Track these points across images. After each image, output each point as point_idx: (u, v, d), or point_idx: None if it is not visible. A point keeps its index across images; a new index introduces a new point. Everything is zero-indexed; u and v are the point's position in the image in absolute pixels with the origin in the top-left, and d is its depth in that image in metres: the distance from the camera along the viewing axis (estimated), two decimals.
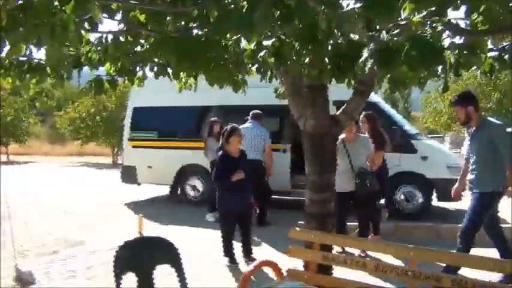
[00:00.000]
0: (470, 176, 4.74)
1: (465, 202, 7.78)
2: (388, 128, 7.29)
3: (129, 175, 10.00)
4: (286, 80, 4.05)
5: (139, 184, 10.07)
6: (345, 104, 3.85)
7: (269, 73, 4.22)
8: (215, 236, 5.92)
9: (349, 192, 5.67)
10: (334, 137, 3.87)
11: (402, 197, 7.97)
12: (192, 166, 9.29)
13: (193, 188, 9.41)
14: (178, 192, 9.69)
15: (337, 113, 3.88)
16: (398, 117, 8.80)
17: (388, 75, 2.71)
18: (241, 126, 6.83)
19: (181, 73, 3.80)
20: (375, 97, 8.38)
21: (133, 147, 10.00)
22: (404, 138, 7.94)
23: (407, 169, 7.92)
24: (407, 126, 8.59)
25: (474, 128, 4.68)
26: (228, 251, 5.42)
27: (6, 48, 2.95)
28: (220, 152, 5.42)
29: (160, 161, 9.62)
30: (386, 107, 8.84)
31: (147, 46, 3.15)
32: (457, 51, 2.67)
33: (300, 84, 3.82)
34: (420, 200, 7.92)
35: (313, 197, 3.87)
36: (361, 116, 6.27)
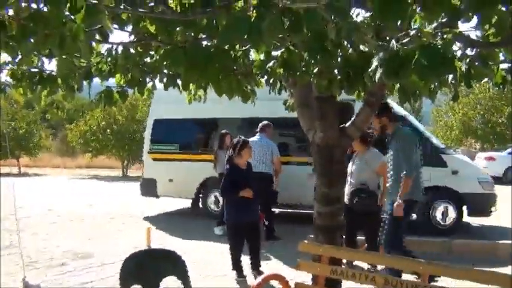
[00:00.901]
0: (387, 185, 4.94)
1: (494, 218, 7.88)
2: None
3: (149, 188, 9.77)
4: (295, 91, 4.05)
5: (158, 197, 9.92)
6: (354, 116, 3.83)
7: (278, 84, 4.23)
8: (224, 249, 5.88)
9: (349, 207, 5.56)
10: (343, 149, 3.84)
11: (438, 213, 7.72)
12: (215, 179, 8.84)
13: (216, 201, 9.16)
14: (200, 205, 9.51)
15: (346, 125, 3.86)
16: (426, 131, 8.65)
17: (398, 86, 2.69)
18: (250, 139, 6.86)
19: (191, 84, 3.80)
20: (402, 110, 8.35)
21: (154, 159, 9.88)
22: (434, 152, 7.79)
23: (439, 184, 7.68)
24: (435, 140, 8.46)
25: (390, 138, 4.88)
26: (236, 264, 5.37)
27: (18, 58, 3.00)
28: (229, 164, 5.41)
29: (181, 174, 9.42)
30: (414, 120, 8.71)
31: (157, 57, 3.16)
32: (468, 62, 2.63)
33: (309, 96, 3.80)
34: (453, 216, 7.70)
35: (321, 210, 3.83)
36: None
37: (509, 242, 6.70)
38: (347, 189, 5.46)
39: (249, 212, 5.27)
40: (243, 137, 5.51)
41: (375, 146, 5.83)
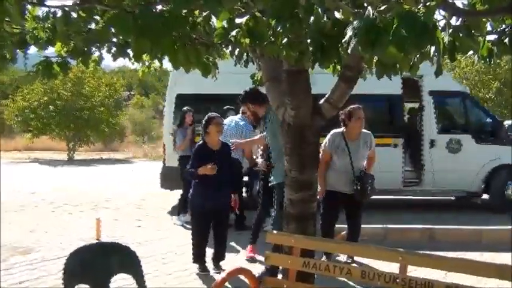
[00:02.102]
0: None
1: None
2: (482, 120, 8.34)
3: (173, 179, 8.61)
4: (263, 64, 4.02)
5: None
6: (329, 92, 3.84)
7: (244, 56, 4.19)
8: (187, 241, 5.87)
9: (344, 194, 5.63)
10: (316, 129, 3.85)
11: None
12: None
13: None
14: None
15: (320, 102, 3.86)
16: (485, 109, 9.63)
17: (376, 59, 2.70)
18: (227, 119, 6.95)
19: (144, 55, 3.72)
20: (461, 86, 8.82)
21: None
22: (503, 130, 8.62)
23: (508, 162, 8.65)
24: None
25: (263, 120, 5.26)
26: (198, 257, 5.38)
27: None
28: (199, 143, 5.42)
29: None
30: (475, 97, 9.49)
31: (103, 23, 3.07)
32: (452, 32, 2.66)
33: (279, 69, 3.79)
34: None
35: (293, 196, 3.86)
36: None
37: (493, 227, 7.00)
38: (343, 176, 5.52)
39: (217, 196, 5.25)
40: (214, 114, 5.53)
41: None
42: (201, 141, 5.40)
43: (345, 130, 5.64)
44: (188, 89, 8.98)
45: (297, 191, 3.86)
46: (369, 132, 5.75)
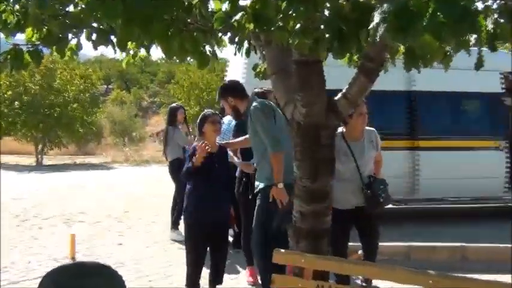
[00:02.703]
0: None
1: None
2: None
3: None
4: (269, 54, 4.01)
5: None
6: (347, 87, 3.84)
7: (246, 44, 4.19)
8: (176, 258, 5.87)
9: (353, 210, 5.48)
10: (332, 129, 3.84)
11: None
12: None
13: None
14: None
15: (336, 98, 3.86)
16: None
17: (404, 48, 2.69)
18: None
19: (129, 43, 3.72)
20: None
21: None
22: None
23: None
24: None
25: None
26: (192, 280, 5.34)
27: None
28: (194, 144, 5.42)
29: None
30: None
31: (83, 6, 3.06)
32: (492, 18, 2.66)
33: (287, 59, 3.78)
34: None
35: (303, 209, 3.84)
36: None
37: None
38: (349, 186, 5.35)
39: (216, 207, 5.22)
40: (210, 111, 5.61)
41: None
42: (196, 143, 5.41)
43: (344, 130, 5.47)
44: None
45: (308, 202, 3.84)
46: (372, 129, 5.60)
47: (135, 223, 9.40)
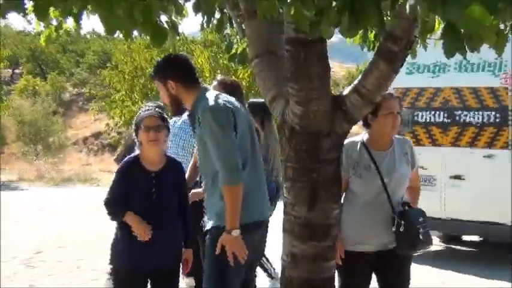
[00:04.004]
0: None
1: None
2: None
3: None
4: (251, 30, 4.04)
5: None
6: (360, 77, 3.89)
7: (218, 15, 4.23)
8: None
9: (376, 253, 5.39)
10: (338, 137, 3.88)
11: None
12: None
13: None
14: None
15: (344, 93, 3.90)
16: None
17: (443, 25, 2.74)
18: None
19: (51, 9, 3.73)
20: None
21: None
22: None
23: None
24: None
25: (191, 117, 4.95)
26: None
27: None
28: (126, 159, 5.39)
29: None
30: None
31: None
32: None
33: (277, 39, 3.82)
34: None
35: (296, 249, 3.88)
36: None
37: None
38: (373, 214, 5.24)
39: (157, 250, 5.22)
40: (150, 106, 5.46)
41: None
42: (133, 156, 5.33)
43: (367, 136, 5.36)
44: None
45: (303, 240, 3.88)
46: (406, 138, 5.60)
47: (51, 268, 9.36)
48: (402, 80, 9.19)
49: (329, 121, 3.78)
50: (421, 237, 5.03)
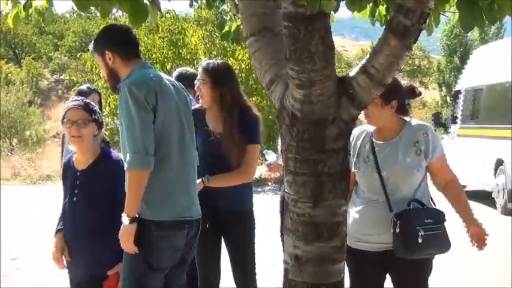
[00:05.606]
0: None
1: None
2: None
3: None
4: (244, 5, 4.04)
5: None
6: (368, 56, 3.88)
7: None
8: None
9: (383, 252, 5.41)
10: (345, 125, 3.87)
11: None
12: None
13: None
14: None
15: (351, 75, 3.90)
16: None
17: None
18: None
19: None
20: None
21: None
22: None
23: None
24: None
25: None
26: None
27: None
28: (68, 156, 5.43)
29: None
30: None
31: None
32: None
33: (274, 14, 3.82)
34: None
35: (300, 251, 3.87)
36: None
37: None
38: (371, 212, 5.23)
39: (83, 261, 5.14)
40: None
41: None
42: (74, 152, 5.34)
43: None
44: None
45: (308, 240, 3.87)
46: (424, 123, 5.43)
47: (27, 275, 9.38)
48: None
49: (334, 106, 3.76)
50: (420, 240, 4.98)
